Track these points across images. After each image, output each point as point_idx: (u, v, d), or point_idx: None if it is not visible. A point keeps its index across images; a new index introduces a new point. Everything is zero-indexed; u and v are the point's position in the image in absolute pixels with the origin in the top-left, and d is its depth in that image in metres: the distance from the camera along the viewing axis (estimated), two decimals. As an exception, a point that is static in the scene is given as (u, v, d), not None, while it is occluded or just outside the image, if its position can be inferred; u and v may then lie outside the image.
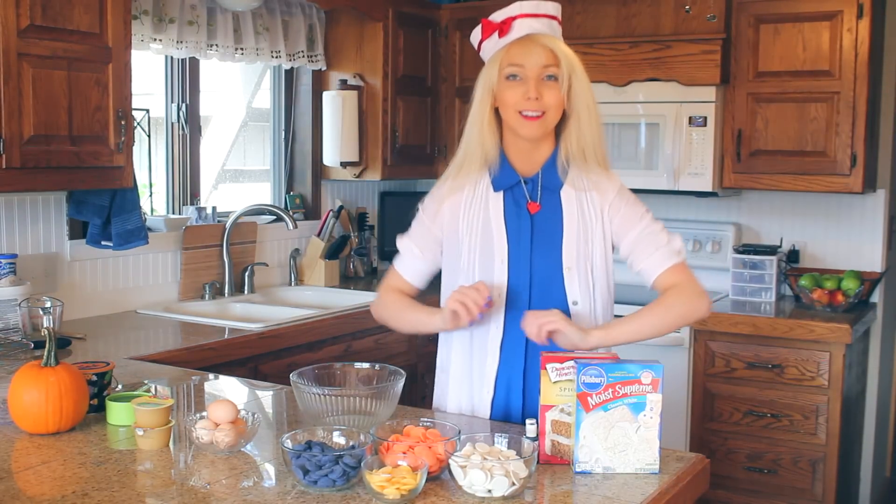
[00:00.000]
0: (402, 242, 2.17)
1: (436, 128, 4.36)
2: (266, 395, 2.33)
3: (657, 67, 3.74)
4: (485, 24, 2.03)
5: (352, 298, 3.73)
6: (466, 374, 2.08)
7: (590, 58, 3.84)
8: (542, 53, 1.95)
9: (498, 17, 2.01)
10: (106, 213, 3.08)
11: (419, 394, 3.70)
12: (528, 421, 1.78)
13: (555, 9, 2.03)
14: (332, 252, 4.10)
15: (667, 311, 1.99)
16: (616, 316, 2.08)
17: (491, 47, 2.03)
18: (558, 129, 2.04)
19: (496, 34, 2.00)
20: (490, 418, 2.06)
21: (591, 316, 2.02)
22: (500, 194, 2.04)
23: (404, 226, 2.21)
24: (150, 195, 3.62)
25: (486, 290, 1.91)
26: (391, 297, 2.16)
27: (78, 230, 3.18)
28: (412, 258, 2.15)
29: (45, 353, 1.92)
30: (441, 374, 2.17)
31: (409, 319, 2.12)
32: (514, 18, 1.99)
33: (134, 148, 2.93)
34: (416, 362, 3.68)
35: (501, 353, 2.03)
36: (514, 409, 2.05)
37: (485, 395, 2.05)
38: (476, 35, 2.07)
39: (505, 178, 2.04)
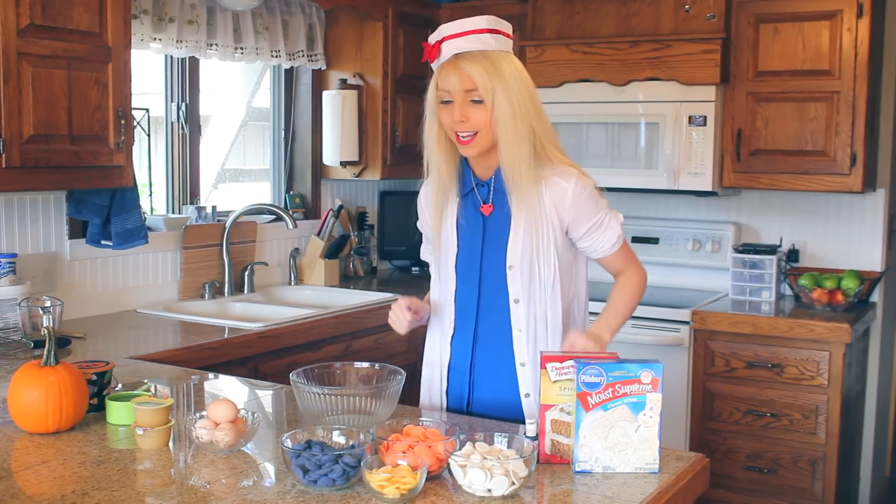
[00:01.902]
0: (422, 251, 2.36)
1: (436, 127, 4.35)
2: (266, 395, 2.33)
3: (657, 67, 3.74)
4: (425, 47, 2.09)
5: (351, 298, 3.73)
6: (430, 365, 2.25)
7: (590, 57, 3.85)
8: (461, 78, 2.01)
9: (431, 40, 2.06)
10: (106, 212, 3.08)
11: (419, 393, 3.69)
12: (528, 420, 1.78)
13: (485, 21, 2.04)
14: (332, 251, 4.10)
15: (635, 298, 2.19)
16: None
17: (434, 69, 2.10)
18: None
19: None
20: (447, 407, 2.20)
21: (531, 315, 2.09)
22: (458, 200, 2.14)
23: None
24: (150, 195, 3.62)
25: (404, 305, 2.13)
26: None
27: (78, 229, 3.18)
28: (431, 265, 2.31)
29: (45, 353, 1.92)
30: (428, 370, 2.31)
31: None
32: (441, 42, 2.04)
33: (134, 147, 2.93)
34: (416, 362, 3.64)
35: (452, 347, 2.18)
36: (464, 400, 2.18)
37: (441, 386, 2.21)
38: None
39: (464, 184, 2.15)
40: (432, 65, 2.07)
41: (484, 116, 2.01)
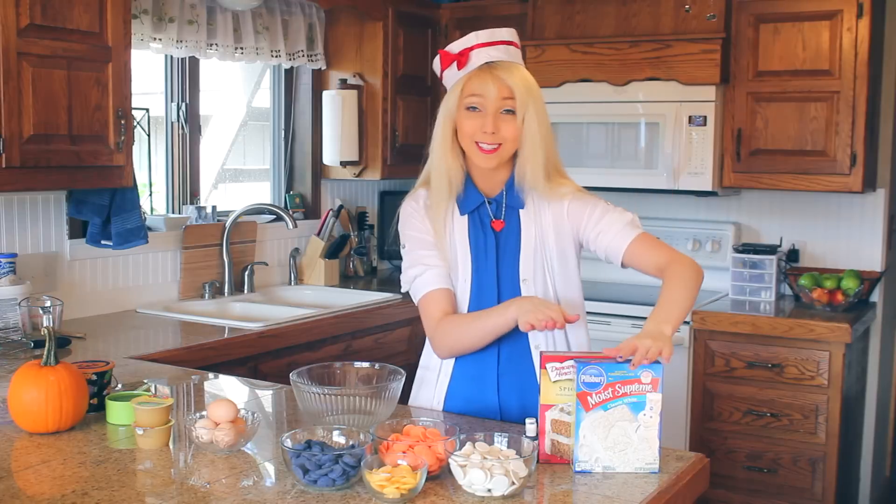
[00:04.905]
0: (414, 268, 2.10)
1: (435, 127, 4.35)
2: (266, 395, 2.33)
3: (657, 67, 3.74)
4: (442, 55, 2.06)
5: (351, 298, 3.73)
6: (426, 368, 2.22)
7: (590, 57, 3.85)
8: (498, 87, 1.99)
9: (455, 48, 2.04)
10: (106, 212, 3.08)
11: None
12: (527, 420, 1.78)
13: (510, 34, 2.06)
14: (332, 251, 4.10)
15: (688, 284, 1.98)
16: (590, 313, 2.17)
17: (451, 77, 2.06)
18: (515, 153, 2.07)
19: (455, 65, 2.03)
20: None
21: None
22: (465, 217, 2.10)
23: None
24: (150, 194, 3.62)
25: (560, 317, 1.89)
26: (447, 322, 2.07)
27: (78, 229, 3.18)
28: (436, 271, 2.09)
29: (45, 353, 1.92)
30: (422, 372, 2.26)
31: (480, 328, 2.02)
32: (470, 49, 2.02)
33: (134, 147, 2.93)
34: (416, 362, 3.66)
35: (469, 357, 2.12)
36: (490, 407, 2.13)
37: (438, 387, 2.17)
38: (436, 65, 2.10)
39: (470, 200, 2.10)
40: (459, 72, 2.02)
41: (512, 129, 1.99)
